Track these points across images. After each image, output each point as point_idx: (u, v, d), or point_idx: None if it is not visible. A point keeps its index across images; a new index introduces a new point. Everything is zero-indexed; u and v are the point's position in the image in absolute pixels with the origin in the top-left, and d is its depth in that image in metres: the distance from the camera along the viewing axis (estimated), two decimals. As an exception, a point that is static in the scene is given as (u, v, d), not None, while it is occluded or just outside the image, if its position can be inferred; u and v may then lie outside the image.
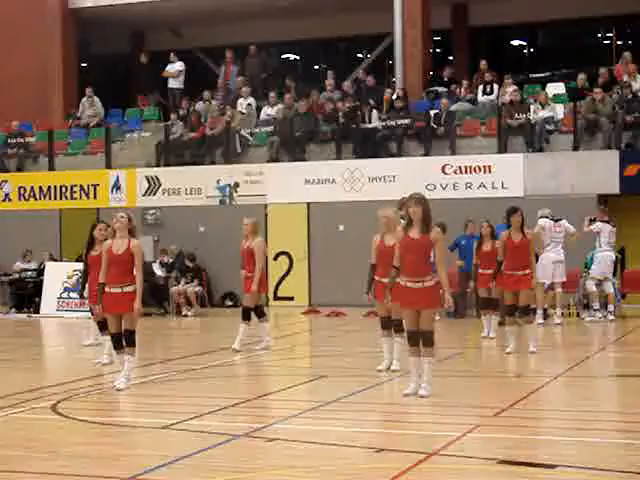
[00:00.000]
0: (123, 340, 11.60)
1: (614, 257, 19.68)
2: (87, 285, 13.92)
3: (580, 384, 12.09)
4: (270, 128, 25.05)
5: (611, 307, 19.18)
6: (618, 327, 18.34)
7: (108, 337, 12.56)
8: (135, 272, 11.50)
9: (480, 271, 16.61)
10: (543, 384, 11.71)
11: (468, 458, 7.84)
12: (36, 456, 8.18)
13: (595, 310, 19.21)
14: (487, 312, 16.51)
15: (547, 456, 7.92)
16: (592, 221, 19.45)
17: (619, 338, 16.98)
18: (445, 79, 25.88)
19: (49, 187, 25.84)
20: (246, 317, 15.17)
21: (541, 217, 18.91)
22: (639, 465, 7.55)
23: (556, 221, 19.07)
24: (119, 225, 11.57)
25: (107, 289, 11.54)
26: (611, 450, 8.20)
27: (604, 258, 19.44)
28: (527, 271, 14.22)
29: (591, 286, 19.40)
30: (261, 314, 15.41)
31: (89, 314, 15.25)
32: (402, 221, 10.90)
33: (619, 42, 29.21)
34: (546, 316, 18.79)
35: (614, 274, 19.79)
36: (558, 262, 19.02)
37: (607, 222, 19.55)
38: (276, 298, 23.84)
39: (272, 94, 25.97)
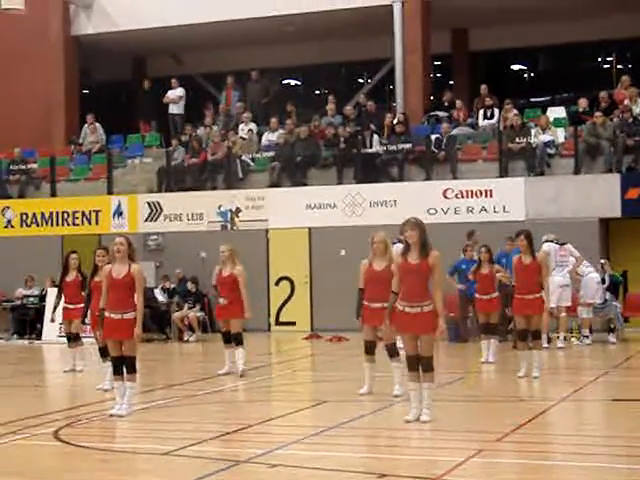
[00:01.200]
0: (124, 366, 11.55)
1: (599, 278, 19.51)
2: (89, 311, 14.10)
3: (583, 408, 12.06)
4: (271, 153, 25.10)
5: (586, 331, 19.02)
6: (621, 351, 18.29)
7: (109, 363, 12.52)
8: (136, 297, 11.47)
9: (477, 296, 16.66)
10: (546, 408, 11.66)
11: (471, 483, 7.81)
12: (37, 483, 8.16)
13: (584, 337, 19.10)
14: (486, 337, 16.50)
15: (550, 481, 7.89)
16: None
17: (622, 362, 16.92)
18: (446, 104, 25.95)
19: (51, 213, 25.86)
20: (241, 341, 15.18)
21: (546, 241, 18.86)
22: (642, 490, 7.53)
23: (561, 245, 19.03)
24: (119, 251, 11.53)
25: (107, 314, 11.51)
26: (614, 475, 8.15)
27: (589, 281, 19.31)
28: (538, 295, 14.19)
29: (581, 313, 19.27)
30: (241, 341, 15.37)
31: (92, 340, 15.37)
32: (400, 245, 10.89)
33: (619, 66, 29.31)
34: (549, 340, 18.75)
35: (616, 297, 19.75)
36: (564, 286, 18.98)
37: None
38: (278, 323, 23.84)
39: (273, 119, 26.03)
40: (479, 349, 16.69)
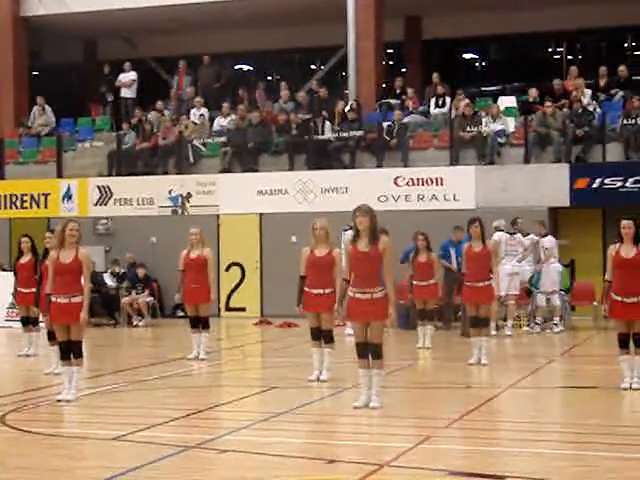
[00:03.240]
0: (71, 351, 11.47)
1: (560, 269, 19.84)
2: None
3: (531, 395, 12.17)
4: (223, 139, 25.01)
5: (557, 319, 19.31)
6: (568, 339, 18.49)
7: (56, 347, 12.43)
8: (83, 282, 11.40)
9: (415, 282, 16.93)
10: (494, 395, 11.77)
11: (419, 469, 7.85)
12: (-17, 468, 8.09)
13: (536, 324, 19.34)
14: (422, 323, 16.77)
15: (497, 467, 7.96)
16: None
17: (569, 350, 17.12)
18: (398, 91, 26.00)
19: (-1, 196, 25.62)
20: (208, 325, 15.34)
21: (496, 228, 19.01)
22: (587, 476, 7.62)
23: (512, 234, 19.24)
24: (73, 236, 11.41)
25: (54, 299, 11.43)
26: (560, 461, 8.25)
27: (552, 270, 19.58)
28: (487, 282, 14.32)
29: (541, 301, 19.52)
30: (209, 325, 15.45)
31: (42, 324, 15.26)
32: (351, 232, 10.94)
33: (569, 57, 29.53)
34: (497, 327, 18.90)
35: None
36: (513, 274, 19.18)
37: (551, 235, 19.71)
38: (228, 309, 23.81)
39: (225, 104, 25.94)
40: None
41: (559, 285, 19.64)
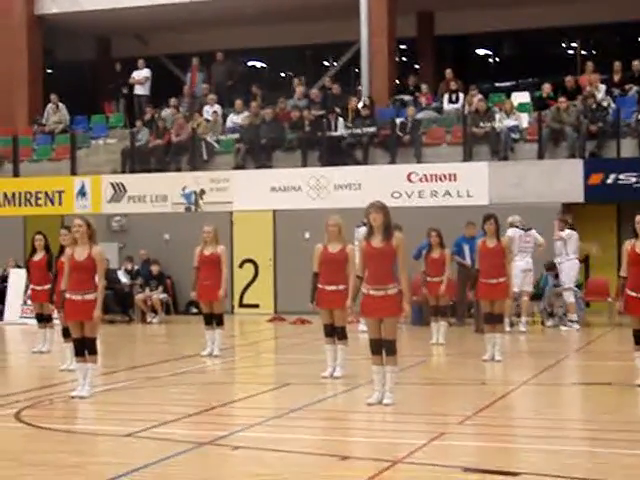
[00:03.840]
0: (85, 347, 11.50)
1: (578, 265, 19.80)
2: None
3: (545, 392, 12.14)
4: (236, 135, 25.02)
5: (573, 316, 19.24)
6: (582, 335, 18.44)
7: (71, 344, 12.46)
8: (97, 279, 11.43)
9: (428, 279, 16.94)
10: (508, 392, 11.76)
11: (432, 466, 7.84)
12: (-2, 464, 8.12)
13: (570, 321, 19.21)
14: (436, 319, 16.82)
15: (511, 464, 7.94)
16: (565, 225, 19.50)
17: (583, 346, 17.07)
18: (411, 87, 25.97)
19: (13, 193, 25.68)
20: (223, 322, 15.39)
21: (511, 225, 18.95)
22: (602, 473, 7.60)
23: (526, 231, 19.15)
24: (78, 234, 11.46)
25: (68, 296, 11.46)
26: (575, 458, 8.23)
27: (573, 266, 19.51)
28: (502, 279, 14.30)
29: (569, 297, 19.39)
30: (223, 321, 15.50)
31: (57, 321, 15.31)
32: (364, 228, 10.95)
33: (583, 52, 29.45)
34: (511, 324, 18.87)
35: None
36: (527, 271, 19.12)
37: (574, 230, 19.64)
38: (241, 305, 23.83)
39: (238, 101, 25.95)
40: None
41: (574, 282, 19.57)
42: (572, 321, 19.15)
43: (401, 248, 10.44)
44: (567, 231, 19.52)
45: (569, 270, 19.45)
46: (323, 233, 12.70)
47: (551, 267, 19.76)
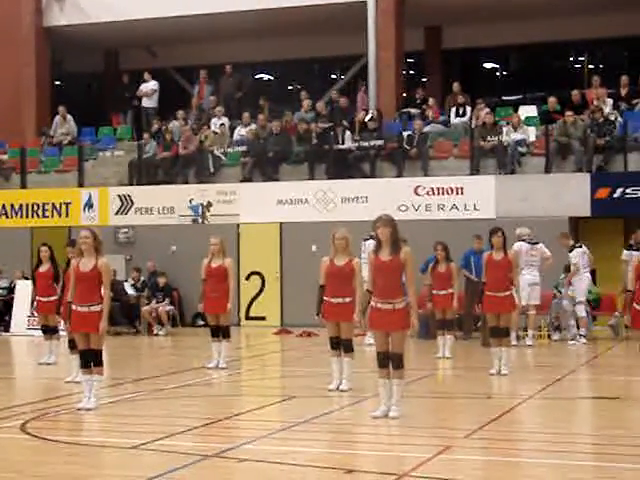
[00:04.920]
0: (90, 359, 11.50)
1: (589, 280, 19.76)
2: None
3: (551, 406, 12.11)
4: (243, 148, 25.05)
5: (583, 330, 19.21)
6: (589, 349, 18.40)
7: (76, 355, 12.47)
8: (103, 291, 11.43)
9: (434, 292, 16.95)
10: (514, 405, 11.73)
11: (438, 479, 7.82)
12: (3, 476, 8.09)
13: (580, 335, 19.15)
14: (442, 332, 16.78)
15: (517, 478, 7.92)
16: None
17: (590, 360, 17.04)
18: (418, 101, 26.00)
19: (21, 205, 25.73)
20: (229, 334, 15.39)
21: (518, 237, 18.92)
22: (608, 487, 7.58)
23: (533, 244, 19.11)
24: (85, 246, 11.46)
25: (74, 307, 11.46)
26: (581, 472, 8.20)
27: (584, 280, 19.47)
28: (508, 292, 14.28)
29: (581, 311, 19.35)
30: (229, 334, 15.49)
31: (63, 332, 15.35)
32: (372, 242, 10.95)
33: (590, 66, 29.46)
34: (518, 337, 18.84)
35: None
36: (533, 284, 19.07)
37: (579, 246, 19.58)
38: (248, 318, 23.83)
39: (245, 114, 26.00)
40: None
41: (585, 295, 19.53)
42: (581, 335, 19.10)
43: (409, 262, 10.44)
44: (574, 252, 19.39)
45: (580, 283, 19.41)
46: (330, 246, 12.70)
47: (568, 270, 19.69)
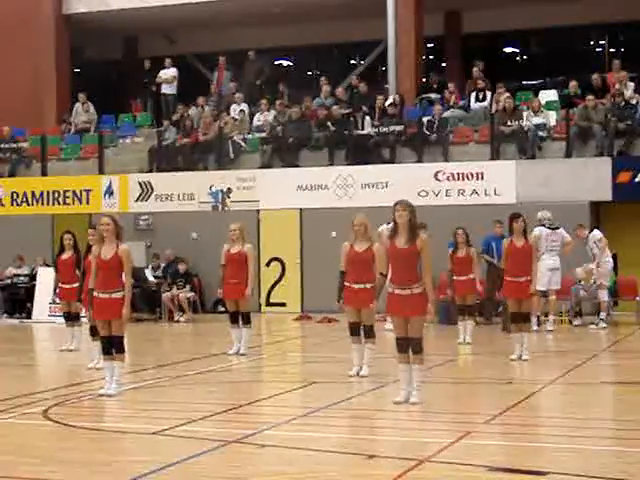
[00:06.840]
0: (112, 346, 11.54)
1: (612, 265, 19.72)
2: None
3: (572, 391, 12.09)
4: (263, 134, 25.04)
5: (603, 315, 19.16)
6: (610, 334, 18.35)
7: (99, 342, 12.51)
8: (124, 277, 11.46)
9: (455, 277, 16.89)
10: (535, 391, 11.71)
11: (459, 465, 7.82)
12: (26, 461, 8.15)
13: (601, 320, 19.10)
14: (463, 318, 16.72)
15: (538, 463, 7.91)
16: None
17: (611, 345, 16.99)
18: (437, 86, 25.90)
19: (42, 192, 25.80)
20: (249, 320, 15.39)
21: (539, 221, 18.86)
22: (630, 472, 7.56)
23: (554, 229, 19.04)
24: (106, 232, 11.48)
25: (96, 294, 11.50)
26: (602, 457, 8.19)
27: (606, 265, 19.43)
28: (529, 277, 14.24)
29: (604, 296, 19.31)
30: (250, 320, 15.51)
31: (85, 319, 15.44)
32: (385, 226, 10.94)
33: (611, 49, 29.30)
34: (539, 323, 18.80)
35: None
36: (554, 269, 19.01)
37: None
38: (268, 304, 23.85)
39: (264, 100, 25.97)
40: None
41: (608, 280, 19.49)
42: (602, 319, 19.05)
43: (425, 250, 10.40)
44: (592, 234, 19.35)
45: (604, 267, 19.37)
46: (349, 232, 12.70)
47: None
